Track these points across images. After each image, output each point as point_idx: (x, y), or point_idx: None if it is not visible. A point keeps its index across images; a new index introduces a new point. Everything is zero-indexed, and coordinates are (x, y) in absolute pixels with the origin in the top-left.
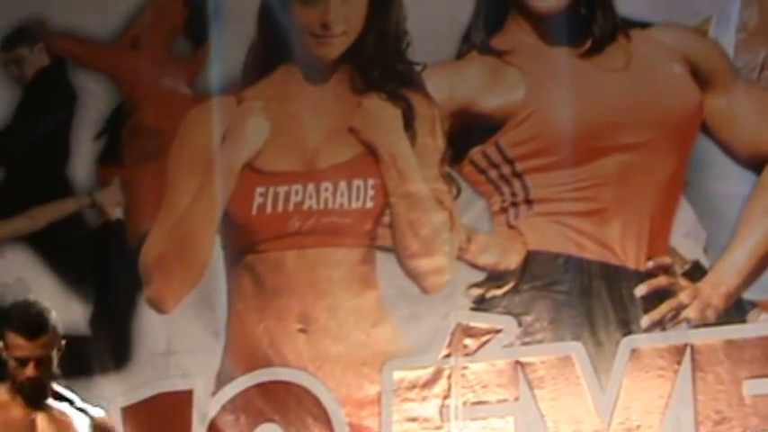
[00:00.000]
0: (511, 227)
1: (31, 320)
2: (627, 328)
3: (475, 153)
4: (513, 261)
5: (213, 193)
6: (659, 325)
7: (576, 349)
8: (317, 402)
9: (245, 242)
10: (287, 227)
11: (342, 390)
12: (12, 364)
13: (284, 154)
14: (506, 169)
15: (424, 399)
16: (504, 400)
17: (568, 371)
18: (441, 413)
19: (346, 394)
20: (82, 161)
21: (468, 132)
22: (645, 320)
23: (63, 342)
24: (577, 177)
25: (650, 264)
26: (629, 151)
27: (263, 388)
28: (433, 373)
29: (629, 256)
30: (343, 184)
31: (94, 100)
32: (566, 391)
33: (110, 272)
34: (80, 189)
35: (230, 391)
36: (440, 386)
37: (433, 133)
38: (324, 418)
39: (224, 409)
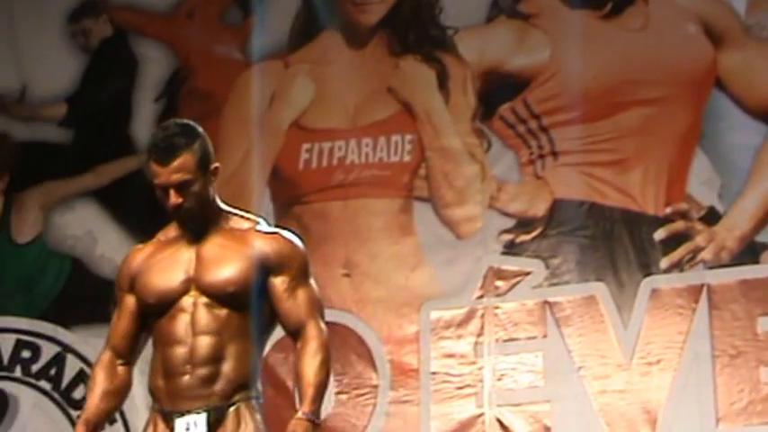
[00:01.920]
0: (538, 177)
1: (161, 143)
2: (647, 269)
3: (504, 109)
4: (540, 209)
5: (263, 150)
6: (677, 266)
7: (599, 289)
8: (360, 341)
9: (292, 194)
10: (331, 180)
11: (383, 329)
12: (158, 193)
13: (328, 113)
14: (533, 124)
15: (459, 337)
16: (534, 337)
17: (593, 310)
18: (475, 350)
19: (387, 333)
20: (143, 122)
21: (497, 90)
22: (664, 262)
23: (214, 165)
24: (600, 130)
25: (668, 209)
26: (647, 105)
27: None
28: (467, 313)
29: (649, 202)
30: (382, 140)
31: (154, 66)
32: (591, 328)
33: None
34: (142, 148)
35: (280, 331)
36: (474, 325)
37: (465, 92)
38: (367, 355)
39: (274, 347)
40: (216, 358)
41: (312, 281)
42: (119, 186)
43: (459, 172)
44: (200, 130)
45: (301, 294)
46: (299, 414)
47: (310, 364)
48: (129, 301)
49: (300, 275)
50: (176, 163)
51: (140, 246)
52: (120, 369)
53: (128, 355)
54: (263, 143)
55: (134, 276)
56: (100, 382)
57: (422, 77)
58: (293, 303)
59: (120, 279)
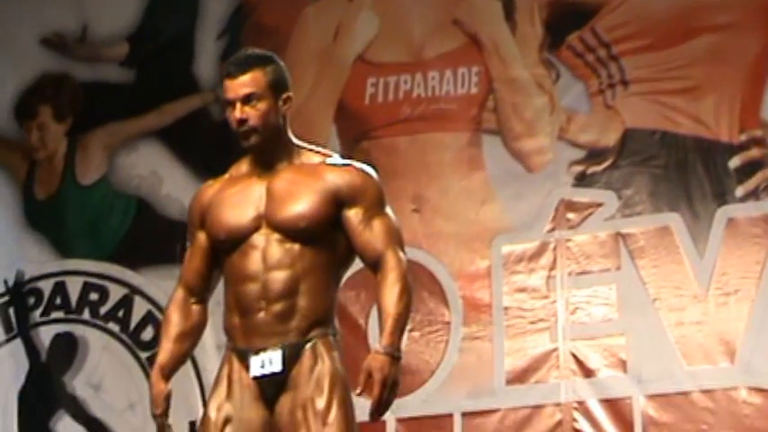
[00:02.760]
0: (608, 107)
1: (234, 59)
2: (722, 198)
3: (572, 39)
4: (611, 139)
5: (328, 85)
6: (753, 195)
7: (674, 220)
8: (431, 277)
9: (359, 130)
10: (398, 114)
11: (454, 265)
12: (227, 114)
13: (393, 46)
14: (603, 53)
15: (532, 271)
16: (607, 270)
17: (667, 240)
18: (547, 283)
19: (459, 269)
20: (206, 60)
21: (565, 20)
22: (739, 191)
23: (287, 94)
24: (671, 57)
25: (743, 137)
26: (719, 31)
27: None
28: (539, 247)
29: (723, 130)
30: (448, 73)
31: (215, 3)
32: (665, 259)
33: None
34: (205, 86)
35: (351, 267)
36: (546, 258)
37: (532, 22)
38: (438, 291)
39: (345, 285)
40: (290, 293)
41: (389, 210)
42: (183, 125)
43: (527, 103)
44: (280, 60)
45: (377, 225)
46: (377, 347)
47: (389, 296)
48: (201, 237)
49: (375, 206)
50: (246, 77)
51: (211, 182)
52: (195, 307)
53: (201, 292)
54: (327, 78)
55: (205, 212)
56: (174, 323)
57: (488, 8)
58: (370, 235)
59: (191, 215)
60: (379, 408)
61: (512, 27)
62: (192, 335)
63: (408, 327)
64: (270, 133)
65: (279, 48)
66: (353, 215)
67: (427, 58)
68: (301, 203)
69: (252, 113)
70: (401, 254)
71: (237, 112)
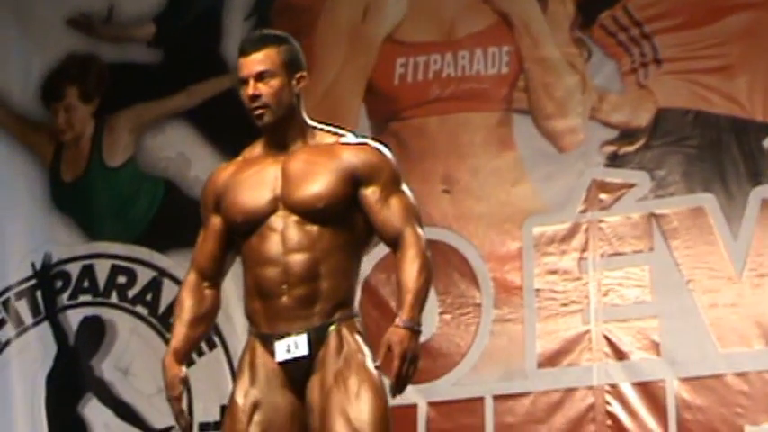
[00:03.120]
0: (641, 86)
1: (248, 38)
2: (756, 179)
3: (604, 17)
4: (643, 119)
5: (357, 66)
6: None
7: (708, 201)
8: (462, 259)
9: (388, 110)
10: (428, 94)
11: (485, 246)
12: (241, 94)
13: (422, 25)
14: (635, 31)
15: (563, 252)
16: (640, 251)
17: (701, 221)
18: (579, 265)
19: (489, 250)
20: (234, 41)
21: None
22: None
23: (301, 74)
24: (704, 36)
25: None
26: (753, 9)
27: None
28: (570, 228)
29: (757, 108)
30: (479, 52)
31: None
32: (699, 240)
33: None
34: (233, 67)
35: (381, 250)
36: (577, 240)
37: (563, 0)
38: (469, 273)
39: (377, 267)
40: (312, 276)
41: (405, 187)
42: (210, 106)
43: (559, 83)
44: (295, 42)
45: (395, 203)
46: (397, 321)
47: (408, 271)
48: (215, 221)
49: (392, 184)
50: (259, 54)
51: (224, 164)
52: (208, 292)
53: (215, 276)
54: (357, 59)
55: (219, 196)
56: (188, 308)
57: None
58: (388, 213)
59: (204, 199)
60: (399, 381)
61: (542, 6)
62: (206, 319)
63: (439, 309)
64: (283, 112)
65: (307, 28)
66: (371, 194)
67: (457, 38)
68: (318, 184)
69: (264, 90)
70: (420, 230)
71: (250, 89)
